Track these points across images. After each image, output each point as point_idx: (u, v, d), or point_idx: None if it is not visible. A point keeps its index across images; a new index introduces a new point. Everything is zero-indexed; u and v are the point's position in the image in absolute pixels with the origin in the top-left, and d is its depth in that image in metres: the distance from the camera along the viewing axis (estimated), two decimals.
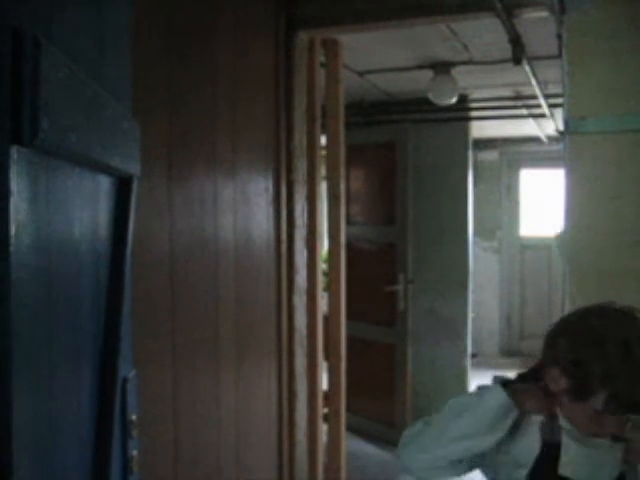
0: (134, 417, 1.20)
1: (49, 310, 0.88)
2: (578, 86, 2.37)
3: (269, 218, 2.65)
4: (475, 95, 4.84)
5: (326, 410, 3.22)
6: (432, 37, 3.39)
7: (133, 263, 1.20)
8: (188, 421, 1.98)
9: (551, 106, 4.39)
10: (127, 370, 1.18)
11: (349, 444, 3.90)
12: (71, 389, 0.97)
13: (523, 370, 1.47)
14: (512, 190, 7.47)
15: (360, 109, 4.97)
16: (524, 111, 5.03)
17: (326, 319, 3.18)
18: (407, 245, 4.62)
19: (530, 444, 1.38)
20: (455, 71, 3.94)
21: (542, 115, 4.82)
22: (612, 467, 1.32)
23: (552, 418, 1.36)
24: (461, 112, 4.91)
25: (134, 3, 1.28)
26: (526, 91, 4.42)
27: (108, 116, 1.03)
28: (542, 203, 7.25)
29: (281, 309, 2.74)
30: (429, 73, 3.99)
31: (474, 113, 5.01)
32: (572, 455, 1.31)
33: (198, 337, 2.07)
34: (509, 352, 7.24)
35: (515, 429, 1.39)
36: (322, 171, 3.13)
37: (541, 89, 3.88)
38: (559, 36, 2.53)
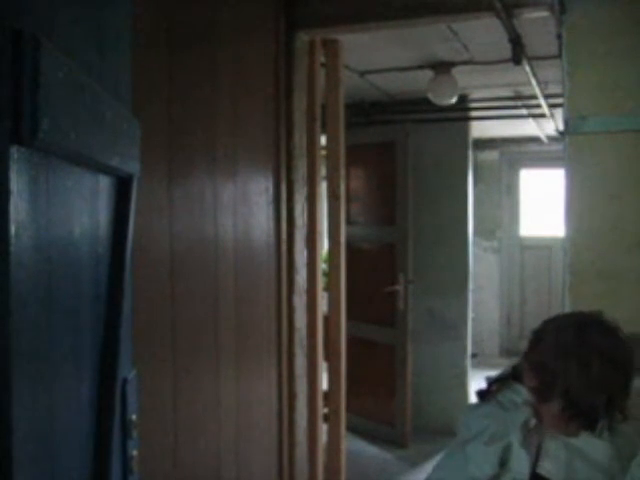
0: (134, 417, 1.20)
1: (49, 310, 0.88)
2: (578, 86, 2.37)
3: (269, 218, 2.65)
4: (475, 95, 4.84)
5: (326, 410, 3.22)
6: (432, 37, 3.39)
7: (133, 263, 1.20)
8: (188, 421, 1.98)
9: (551, 106, 4.39)
10: (127, 370, 1.17)
11: (349, 444, 3.90)
12: (71, 389, 0.97)
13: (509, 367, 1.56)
14: (512, 190, 7.47)
15: (360, 109, 4.97)
16: (524, 111, 5.03)
17: (326, 319, 3.18)
18: (407, 245, 4.62)
19: (524, 458, 1.44)
20: (455, 71, 3.94)
21: (542, 115, 4.82)
22: (592, 475, 1.37)
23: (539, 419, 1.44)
24: (461, 112, 4.91)
25: (134, 3, 1.28)
26: (526, 91, 4.42)
27: (108, 116, 1.03)
28: (542, 203, 7.26)
29: (281, 309, 2.74)
30: (429, 73, 3.99)
31: (474, 113, 5.01)
32: (550, 455, 1.41)
33: (198, 337, 2.07)
34: (509, 352, 7.24)
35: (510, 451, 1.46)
36: (322, 171, 3.13)
37: (541, 89, 3.88)
38: (559, 36, 2.53)
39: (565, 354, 1.35)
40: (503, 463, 1.45)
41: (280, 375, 2.75)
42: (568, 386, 1.33)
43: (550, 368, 1.35)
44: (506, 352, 7.28)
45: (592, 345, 1.35)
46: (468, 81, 4.31)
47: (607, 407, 1.34)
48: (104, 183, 1.10)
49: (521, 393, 1.45)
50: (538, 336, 1.44)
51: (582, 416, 1.35)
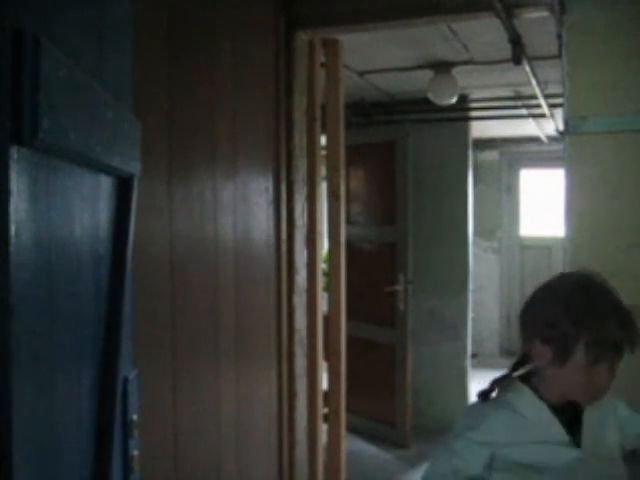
0: (135, 417, 1.20)
1: (49, 310, 0.88)
2: (578, 86, 2.36)
3: (269, 218, 2.65)
4: (475, 95, 4.84)
5: (326, 410, 3.22)
6: (432, 37, 3.39)
7: (133, 263, 1.20)
8: (188, 421, 1.98)
9: (551, 106, 4.39)
10: (128, 370, 1.17)
11: (349, 444, 3.90)
12: (72, 389, 0.97)
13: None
14: (512, 190, 7.47)
15: (360, 109, 4.97)
16: (524, 111, 5.03)
17: (326, 319, 3.18)
18: (407, 245, 4.62)
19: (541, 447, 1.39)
20: (455, 71, 3.94)
21: (542, 115, 4.82)
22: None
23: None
24: (461, 112, 4.91)
25: (134, 3, 1.28)
26: (526, 91, 4.42)
27: (108, 116, 1.03)
28: (542, 203, 7.26)
29: (281, 309, 2.74)
30: (429, 73, 3.99)
31: (474, 113, 5.01)
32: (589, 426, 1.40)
33: (198, 337, 2.07)
34: (509, 352, 7.24)
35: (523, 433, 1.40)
36: (322, 171, 3.13)
37: (541, 89, 3.88)
38: (559, 36, 2.53)
39: (562, 297, 1.38)
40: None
41: (280, 375, 2.75)
42: (577, 321, 1.33)
43: (554, 318, 1.36)
44: (506, 352, 7.27)
45: (580, 282, 1.40)
46: (468, 81, 4.31)
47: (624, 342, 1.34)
48: (105, 183, 1.10)
49: (524, 394, 1.41)
50: (526, 311, 1.44)
51: (607, 350, 1.33)
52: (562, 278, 1.47)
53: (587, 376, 1.35)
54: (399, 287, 4.60)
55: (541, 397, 1.41)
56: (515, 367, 1.46)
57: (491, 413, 1.43)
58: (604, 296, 1.37)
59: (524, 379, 1.44)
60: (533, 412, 1.40)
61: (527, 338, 1.42)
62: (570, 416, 1.41)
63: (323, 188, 3.14)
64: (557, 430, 1.39)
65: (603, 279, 1.41)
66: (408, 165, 4.63)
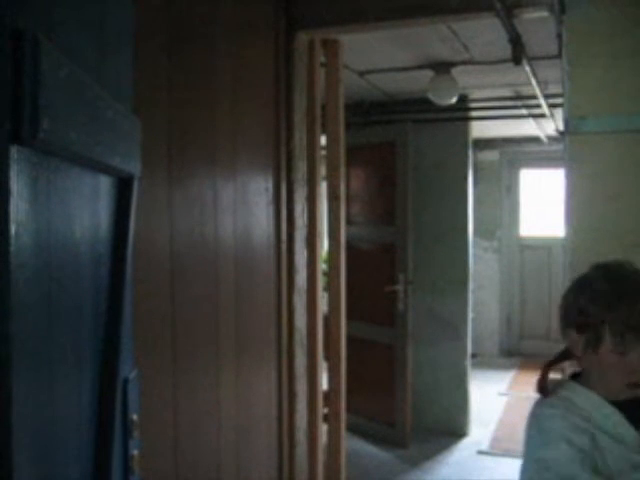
0: (135, 417, 1.20)
1: (49, 310, 0.88)
2: (578, 86, 2.36)
3: (269, 218, 2.65)
4: (475, 95, 4.84)
5: (326, 410, 3.22)
6: (432, 37, 3.39)
7: (133, 263, 1.20)
8: (188, 421, 1.98)
9: (551, 106, 4.39)
10: (128, 370, 1.17)
11: (349, 444, 3.90)
12: (71, 389, 0.97)
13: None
14: (512, 190, 7.47)
15: (360, 109, 4.97)
16: (524, 111, 5.03)
17: (326, 319, 3.18)
18: (407, 245, 4.62)
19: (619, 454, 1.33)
20: (455, 71, 3.94)
21: (542, 115, 4.82)
22: None
23: None
24: (461, 112, 4.91)
25: (135, 3, 1.28)
26: (526, 91, 4.42)
27: (108, 116, 1.03)
28: (542, 203, 7.26)
29: (281, 309, 2.74)
30: (429, 73, 3.99)
31: (474, 113, 5.01)
32: None
33: (198, 337, 2.08)
34: (509, 352, 7.24)
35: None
36: (322, 171, 3.13)
37: (541, 89, 3.88)
38: (559, 36, 2.53)
39: (586, 282, 1.40)
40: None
41: (280, 375, 2.75)
42: (604, 301, 1.34)
43: (581, 305, 1.38)
44: (506, 352, 7.27)
45: (604, 267, 1.41)
46: (468, 81, 4.31)
47: None
48: (105, 183, 1.10)
49: (578, 391, 1.40)
50: (564, 304, 1.45)
51: (636, 335, 1.32)
52: (594, 267, 1.47)
53: (621, 363, 1.34)
54: (399, 287, 4.60)
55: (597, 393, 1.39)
56: (559, 358, 1.49)
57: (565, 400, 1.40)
58: (629, 281, 1.38)
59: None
60: (594, 407, 1.37)
61: (564, 330, 1.44)
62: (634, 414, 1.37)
63: (323, 188, 3.14)
64: (625, 428, 1.34)
65: (635, 267, 1.42)
66: (408, 165, 4.63)
